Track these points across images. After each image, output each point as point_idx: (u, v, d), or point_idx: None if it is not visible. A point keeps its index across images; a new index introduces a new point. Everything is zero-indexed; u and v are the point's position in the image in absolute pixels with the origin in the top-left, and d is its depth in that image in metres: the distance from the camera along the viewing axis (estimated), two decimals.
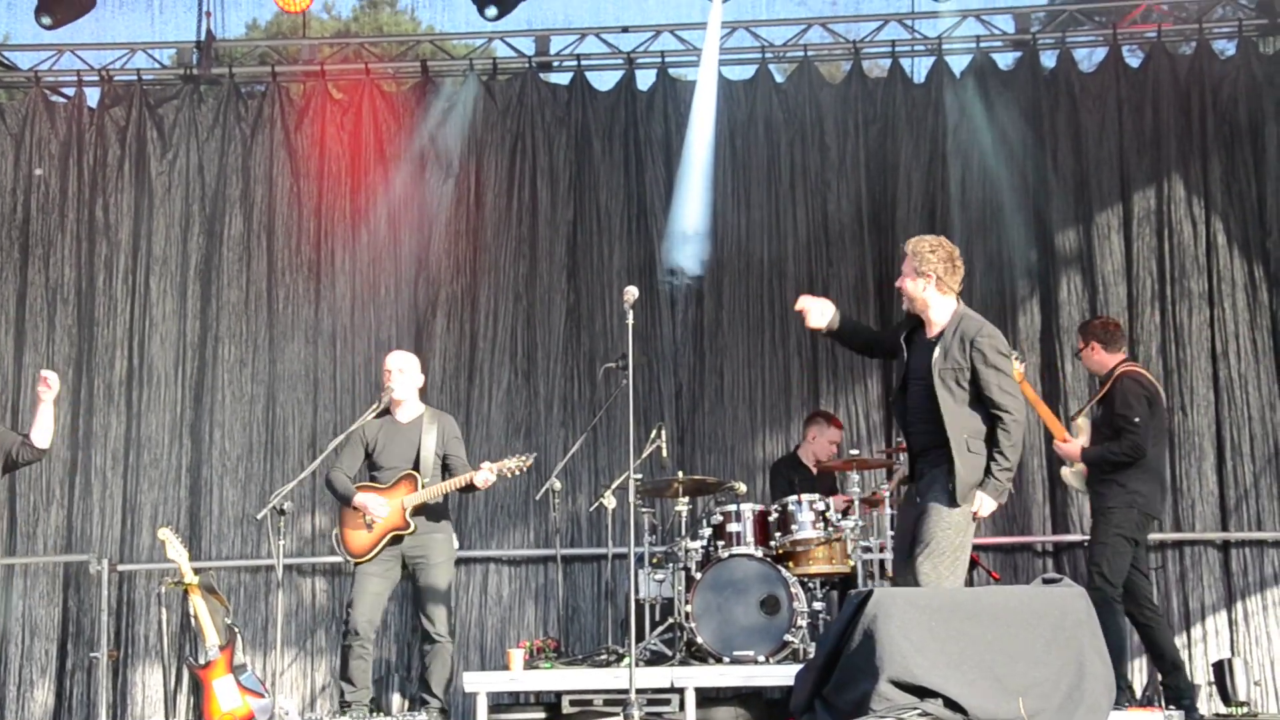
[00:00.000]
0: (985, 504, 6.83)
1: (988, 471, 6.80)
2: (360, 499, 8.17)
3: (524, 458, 8.32)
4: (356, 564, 8.21)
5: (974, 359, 6.80)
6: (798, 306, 7.38)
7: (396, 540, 8.18)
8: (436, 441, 8.31)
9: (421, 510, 8.20)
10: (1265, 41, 11.20)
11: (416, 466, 8.25)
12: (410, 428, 8.35)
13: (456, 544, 8.55)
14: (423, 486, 8.19)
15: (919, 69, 11.43)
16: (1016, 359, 8.62)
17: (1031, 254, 10.92)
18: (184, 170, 11.38)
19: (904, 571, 7.02)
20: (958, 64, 11.29)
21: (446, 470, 8.35)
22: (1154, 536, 10.32)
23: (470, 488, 8.28)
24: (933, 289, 6.97)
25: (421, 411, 8.43)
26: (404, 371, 8.42)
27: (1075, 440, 8.52)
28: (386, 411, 8.42)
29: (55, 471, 10.90)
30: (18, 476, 10.73)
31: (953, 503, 6.80)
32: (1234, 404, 10.52)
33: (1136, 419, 8.24)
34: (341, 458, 8.35)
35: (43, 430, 8.28)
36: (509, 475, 8.35)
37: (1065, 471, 8.68)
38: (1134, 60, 11.22)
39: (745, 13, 11.43)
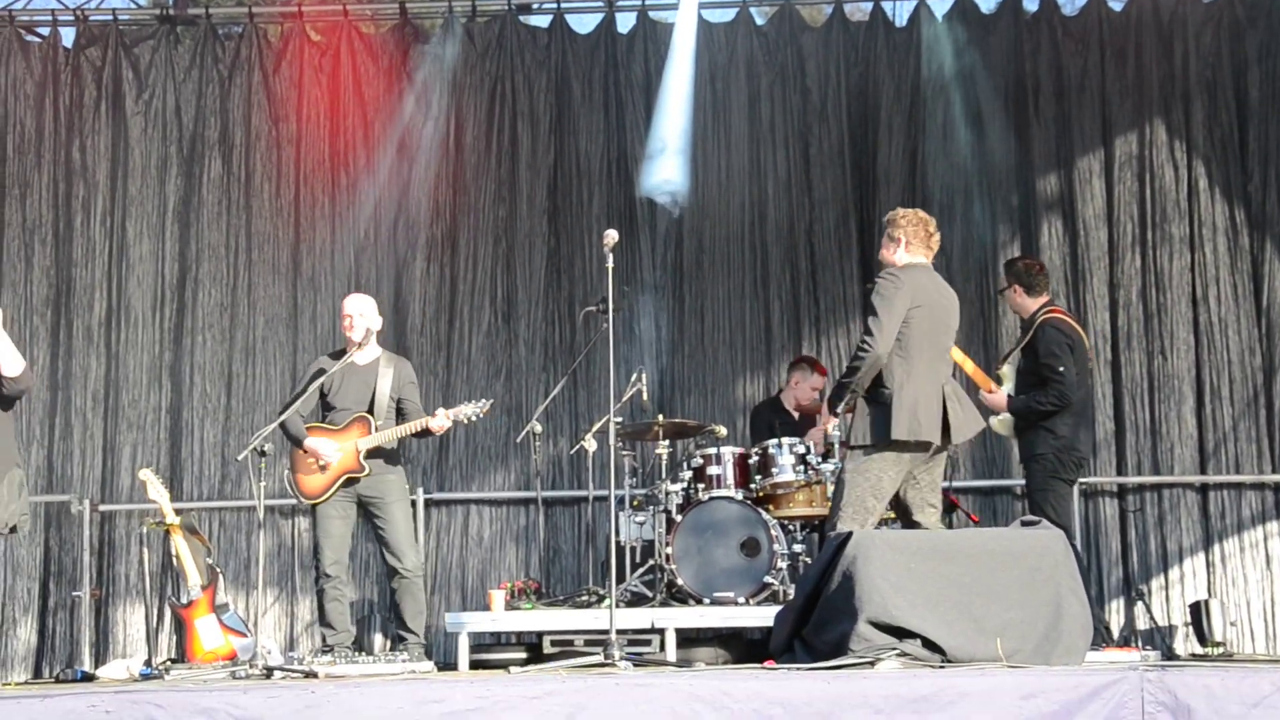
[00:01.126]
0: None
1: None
2: (311, 443, 8.08)
3: (480, 404, 8.24)
4: (313, 505, 8.18)
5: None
6: None
7: (350, 482, 8.14)
8: (392, 385, 8.24)
9: (375, 453, 8.16)
10: None
11: (371, 409, 8.21)
12: (367, 370, 8.26)
13: (408, 486, 8.51)
14: (376, 429, 8.15)
15: (900, 12, 11.36)
16: None
17: (1013, 198, 10.93)
18: (160, 112, 11.30)
19: None
20: (939, 7, 11.24)
21: (400, 415, 8.27)
22: (1132, 479, 10.45)
23: (426, 432, 8.25)
24: (903, 252, 7.24)
25: (379, 354, 8.34)
26: (364, 315, 8.33)
27: (1000, 390, 8.54)
28: (343, 353, 8.36)
29: (35, 412, 10.88)
30: None
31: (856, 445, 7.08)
32: (1214, 348, 10.57)
33: (1061, 368, 8.25)
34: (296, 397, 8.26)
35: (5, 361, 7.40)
36: (465, 422, 8.29)
37: (993, 420, 8.69)
38: (1116, 4, 11.17)
39: None
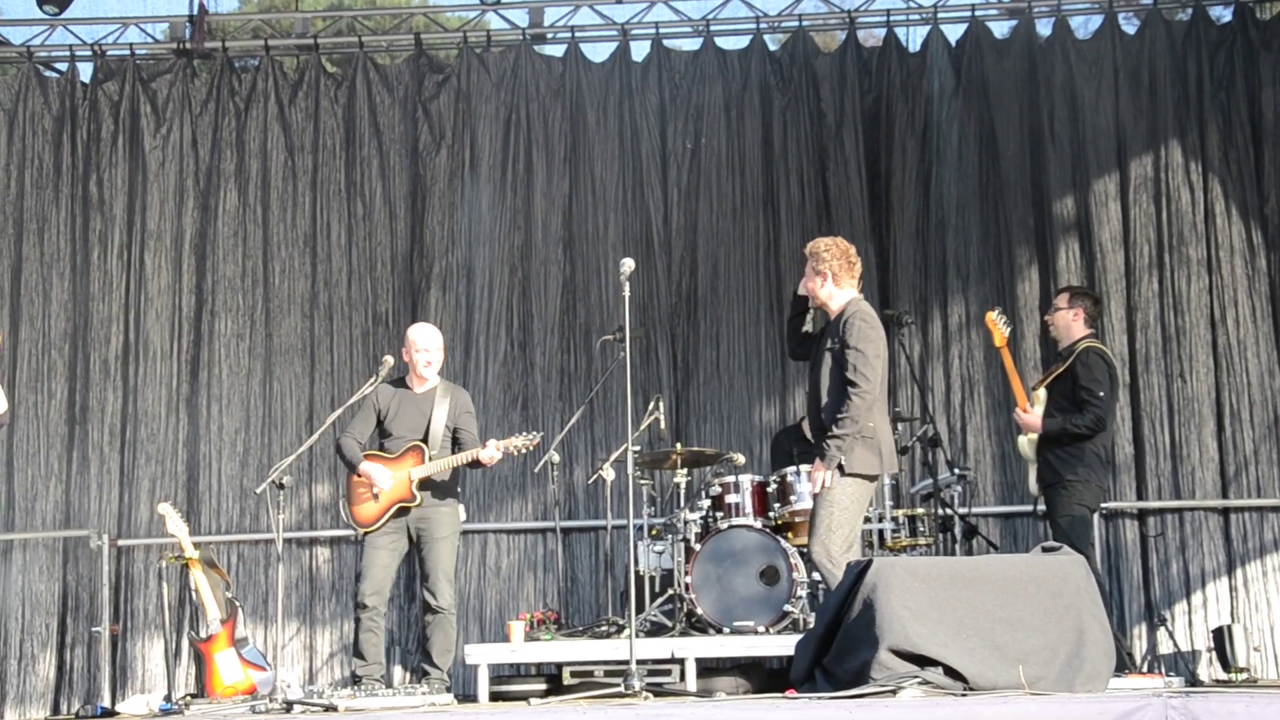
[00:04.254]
0: (817, 471, 7.21)
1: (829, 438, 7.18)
2: (365, 468, 8.13)
3: (530, 436, 8.27)
4: (365, 534, 8.19)
5: (844, 339, 7.24)
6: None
7: (403, 512, 8.16)
8: (448, 414, 8.27)
9: (428, 483, 8.17)
10: (1262, 7, 11.17)
11: (426, 438, 8.22)
12: (424, 398, 8.30)
13: (464, 517, 8.53)
14: (430, 459, 8.16)
15: (914, 38, 11.38)
16: (1005, 323, 8.70)
17: (1029, 221, 10.91)
18: (178, 145, 11.35)
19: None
20: (953, 33, 11.26)
21: (456, 444, 8.29)
22: (1153, 503, 10.39)
23: (476, 464, 8.24)
24: (830, 285, 7.49)
25: (436, 384, 8.38)
26: (440, 350, 8.37)
27: (1034, 410, 8.54)
28: (402, 381, 8.39)
29: (53, 447, 10.90)
30: (15, 451, 10.77)
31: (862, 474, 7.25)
32: (1233, 371, 10.52)
33: (1101, 393, 8.29)
34: (354, 424, 8.31)
35: None
36: (515, 454, 8.32)
37: (1021, 440, 8.70)
38: (1130, 27, 11.18)
39: None
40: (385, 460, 8.22)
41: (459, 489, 8.54)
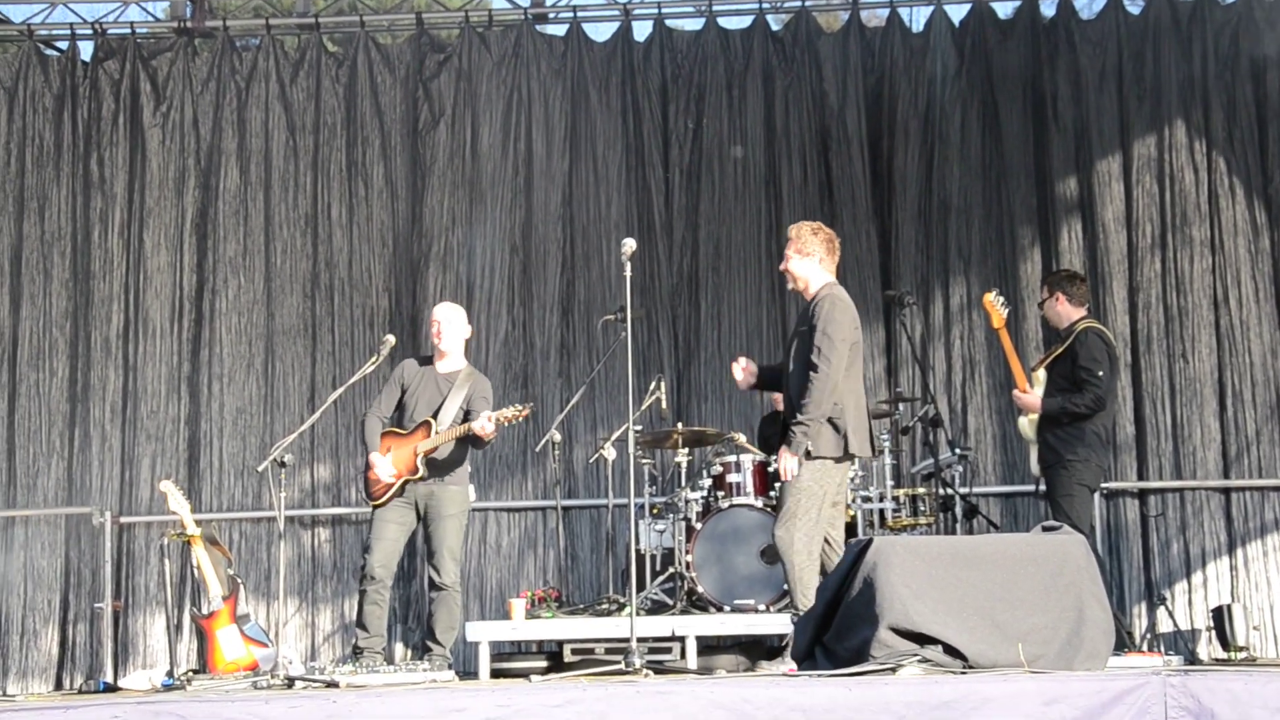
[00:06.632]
0: (783, 458, 7.12)
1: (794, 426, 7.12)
2: (373, 460, 8.19)
3: (520, 407, 8.27)
4: (375, 507, 8.22)
5: (813, 322, 7.21)
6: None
7: (410, 485, 8.18)
8: (464, 398, 8.27)
9: (438, 461, 8.17)
10: None
11: (437, 415, 8.23)
12: (445, 379, 8.33)
13: (474, 497, 8.52)
14: (437, 434, 8.19)
15: (918, 18, 11.37)
16: (1003, 305, 8.69)
17: (1031, 202, 10.90)
18: (178, 124, 11.34)
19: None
20: (957, 13, 11.23)
21: None
22: (1154, 483, 10.40)
23: (477, 440, 8.23)
24: (815, 267, 7.42)
25: (462, 367, 8.41)
26: (451, 323, 8.39)
27: (1033, 391, 8.55)
28: (429, 359, 8.41)
29: (55, 424, 10.93)
30: (17, 429, 10.81)
31: (825, 456, 7.19)
32: (1236, 351, 10.52)
33: (1100, 373, 8.30)
34: (380, 400, 8.37)
35: None
36: (507, 423, 8.31)
37: (1021, 421, 8.70)
38: (1134, 8, 11.15)
39: None
40: (397, 438, 8.24)
41: (469, 469, 8.52)
